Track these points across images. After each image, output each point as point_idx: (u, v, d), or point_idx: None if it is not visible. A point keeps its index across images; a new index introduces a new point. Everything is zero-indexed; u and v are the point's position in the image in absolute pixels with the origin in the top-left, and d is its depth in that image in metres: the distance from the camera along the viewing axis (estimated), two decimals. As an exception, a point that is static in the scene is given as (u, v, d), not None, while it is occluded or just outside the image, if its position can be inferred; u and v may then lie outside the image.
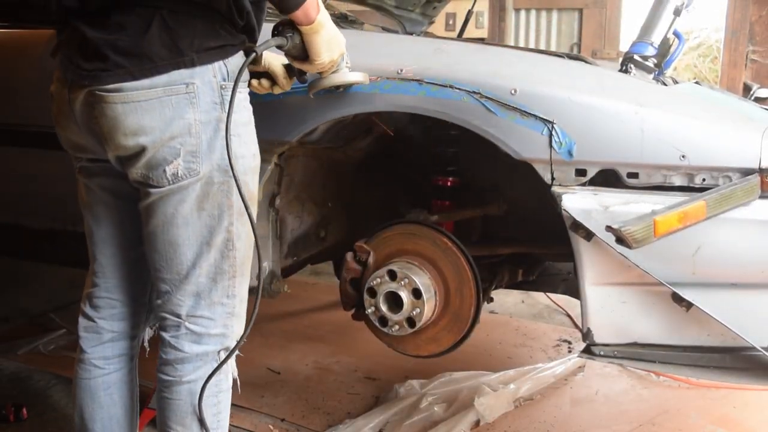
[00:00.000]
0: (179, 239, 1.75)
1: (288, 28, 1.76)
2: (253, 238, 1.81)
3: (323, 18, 1.75)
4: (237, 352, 1.90)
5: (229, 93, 1.67)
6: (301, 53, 1.79)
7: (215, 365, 1.84)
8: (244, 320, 1.92)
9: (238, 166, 1.71)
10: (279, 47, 1.77)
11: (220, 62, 1.69)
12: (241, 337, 1.88)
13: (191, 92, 1.65)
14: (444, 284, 2.18)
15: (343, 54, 1.88)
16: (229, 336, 1.88)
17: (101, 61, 1.61)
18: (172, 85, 1.63)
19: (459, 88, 1.90)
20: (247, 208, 1.72)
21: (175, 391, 1.83)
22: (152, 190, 1.70)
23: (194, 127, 1.67)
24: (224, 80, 1.70)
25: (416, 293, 2.12)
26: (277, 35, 1.76)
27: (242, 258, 1.83)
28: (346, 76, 1.91)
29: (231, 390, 1.95)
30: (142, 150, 1.65)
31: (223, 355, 1.87)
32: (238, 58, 1.72)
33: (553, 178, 1.84)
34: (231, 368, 1.93)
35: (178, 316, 1.82)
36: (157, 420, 1.90)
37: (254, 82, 1.94)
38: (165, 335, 1.84)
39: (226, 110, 1.67)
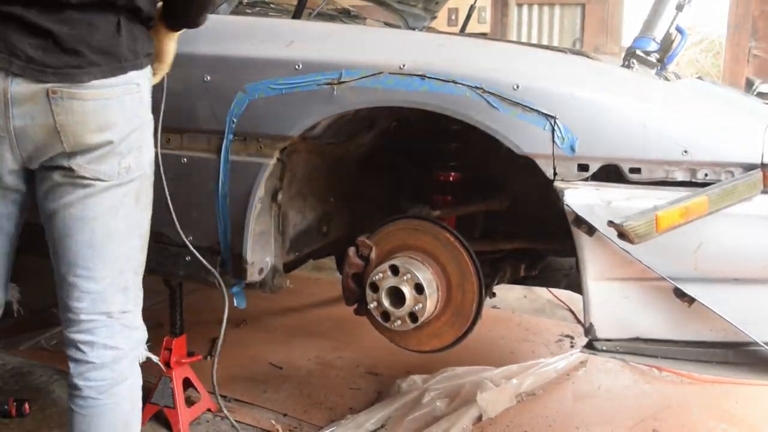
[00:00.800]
0: (118, 233, 1.77)
1: None
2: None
3: None
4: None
5: (147, 96, 1.79)
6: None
7: (140, 367, 1.88)
8: None
9: (156, 161, 1.91)
10: None
11: (149, 67, 1.79)
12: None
13: (140, 92, 1.74)
14: (446, 279, 2.18)
15: None
16: (144, 327, 1.91)
17: (73, 58, 1.62)
18: (129, 84, 1.71)
19: (461, 84, 1.89)
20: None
21: (115, 393, 1.81)
22: (98, 183, 1.72)
23: (143, 124, 1.78)
24: (149, 82, 1.82)
25: (418, 288, 2.12)
26: None
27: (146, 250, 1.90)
28: None
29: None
30: (108, 144, 1.69)
31: (144, 350, 1.90)
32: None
33: (555, 174, 1.84)
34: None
35: (110, 314, 1.79)
36: None
37: None
38: (94, 338, 1.79)
39: (148, 111, 1.81)
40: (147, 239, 1.85)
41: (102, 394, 1.79)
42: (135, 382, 1.85)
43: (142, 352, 1.88)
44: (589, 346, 1.95)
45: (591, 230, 1.80)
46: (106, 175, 1.71)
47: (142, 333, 1.88)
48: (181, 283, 2.65)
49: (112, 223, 1.75)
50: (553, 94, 1.83)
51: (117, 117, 1.69)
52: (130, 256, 1.80)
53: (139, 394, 1.87)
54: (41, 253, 1.86)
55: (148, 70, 1.77)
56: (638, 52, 2.13)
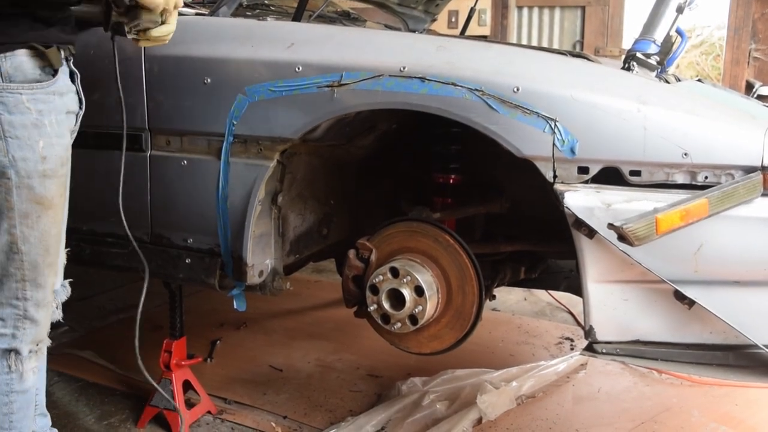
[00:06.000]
0: None
1: None
2: (50, 244, 1.85)
3: None
4: (38, 352, 1.95)
5: (4, 95, 1.70)
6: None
7: (4, 364, 1.87)
8: (44, 326, 1.94)
9: (18, 168, 1.73)
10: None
11: None
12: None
13: None
14: (446, 282, 2.18)
15: None
16: (19, 338, 1.89)
17: None
18: None
19: (461, 86, 1.90)
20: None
21: None
22: None
23: None
24: (1, 80, 1.70)
25: (418, 291, 2.12)
26: None
27: (32, 262, 1.84)
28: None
29: (29, 393, 1.96)
30: None
31: (13, 357, 1.88)
32: (19, 57, 1.72)
33: (555, 176, 1.84)
34: (24, 369, 1.92)
35: None
36: None
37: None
38: None
39: (0, 112, 1.70)
40: (11, 248, 1.81)
41: None
42: None
43: None
44: (589, 348, 1.95)
45: (591, 233, 1.80)
46: None
47: (2, 342, 1.87)
48: (181, 286, 2.65)
49: None
50: (554, 96, 1.83)
51: None
52: None
53: None
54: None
55: None
56: (638, 54, 2.12)
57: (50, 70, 1.79)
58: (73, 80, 1.92)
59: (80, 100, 1.95)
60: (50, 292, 1.94)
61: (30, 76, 1.75)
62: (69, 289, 2.09)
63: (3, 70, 1.70)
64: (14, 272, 1.83)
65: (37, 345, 1.94)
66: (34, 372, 1.95)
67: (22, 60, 1.73)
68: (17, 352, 1.89)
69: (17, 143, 1.73)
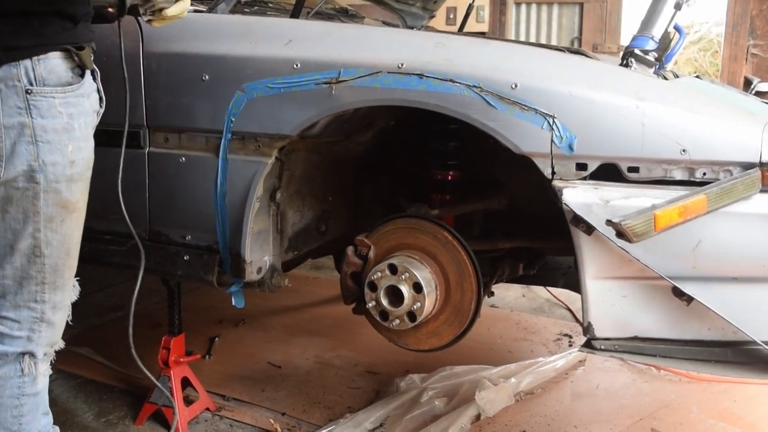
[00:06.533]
0: None
1: None
2: (71, 247, 1.83)
3: None
4: (52, 358, 1.93)
5: (37, 98, 1.66)
6: None
7: (18, 367, 1.85)
8: (59, 328, 1.91)
9: (47, 173, 1.71)
10: None
11: (28, 62, 1.66)
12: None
13: None
14: (445, 278, 2.18)
15: None
16: (35, 341, 1.86)
17: None
18: None
19: (459, 82, 1.89)
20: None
21: None
22: None
23: None
24: (31, 84, 1.66)
25: (417, 287, 2.12)
26: None
27: (53, 265, 1.82)
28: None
29: (40, 396, 1.94)
30: None
31: (28, 360, 1.86)
32: (53, 60, 1.70)
33: (553, 173, 1.84)
34: (38, 373, 1.90)
35: None
36: None
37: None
38: None
39: (33, 116, 1.66)
40: (33, 252, 1.78)
41: None
42: None
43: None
44: (588, 345, 1.95)
45: (589, 229, 1.80)
46: None
47: (17, 345, 1.84)
48: (179, 283, 2.65)
49: None
50: (552, 92, 1.83)
51: None
52: (1, 265, 1.78)
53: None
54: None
55: (11, 68, 1.65)
56: (636, 51, 2.13)
57: (79, 71, 1.76)
58: (94, 78, 1.88)
59: (101, 98, 1.91)
60: (68, 294, 1.91)
61: (63, 79, 1.72)
62: (78, 288, 2.08)
63: (36, 74, 1.66)
64: (35, 275, 1.80)
65: (52, 348, 1.92)
66: (45, 375, 1.93)
67: (55, 63, 1.70)
68: (32, 355, 1.86)
69: (48, 148, 1.70)
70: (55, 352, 1.95)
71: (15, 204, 1.73)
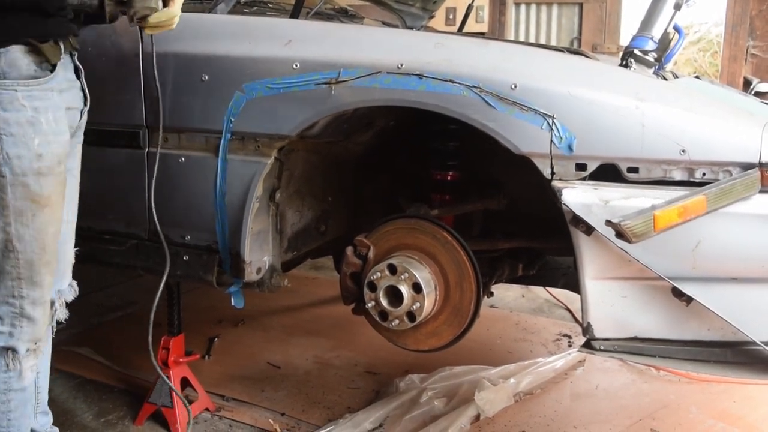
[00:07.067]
0: None
1: None
2: (46, 242, 1.83)
3: None
4: (36, 351, 1.93)
5: (0, 92, 1.69)
6: None
7: (2, 362, 1.87)
8: (42, 325, 1.92)
9: (13, 166, 1.72)
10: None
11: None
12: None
13: None
14: (444, 278, 2.18)
15: None
16: (16, 336, 1.87)
17: None
18: None
19: (459, 83, 1.89)
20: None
21: None
22: None
23: None
24: None
25: (416, 287, 2.12)
26: None
27: (28, 260, 1.82)
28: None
29: (27, 391, 1.96)
30: None
31: (11, 355, 1.88)
32: (14, 53, 1.71)
33: (553, 173, 1.84)
34: (23, 368, 1.91)
35: None
36: None
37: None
38: None
39: None
40: (6, 246, 1.80)
41: None
42: None
43: None
44: (587, 345, 1.95)
45: (589, 229, 1.80)
46: None
47: (0, 340, 1.87)
48: (179, 283, 2.65)
49: None
50: (551, 93, 1.83)
51: None
52: None
53: None
54: None
55: None
56: (636, 51, 2.13)
57: (48, 65, 1.77)
58: (77, 75, 1.89)
59: (85, 96, 1.92)
60: (48, 290, 1.92)
61: (25, 72, 1.72)
62: (76, 288, 2.09)
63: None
64: (10, 270, 1.82)
65: (36, 344, 1.92)
66: (32, 370, 1.94)
67: (16, 56, 1.70)
68: (14, 350, 1.88)
69: (11, 140, 1.71)
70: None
71: None
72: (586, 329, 1.92)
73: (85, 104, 1.93)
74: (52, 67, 1.78)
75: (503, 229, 2.64)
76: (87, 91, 1.93)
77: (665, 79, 2.14)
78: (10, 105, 1.70)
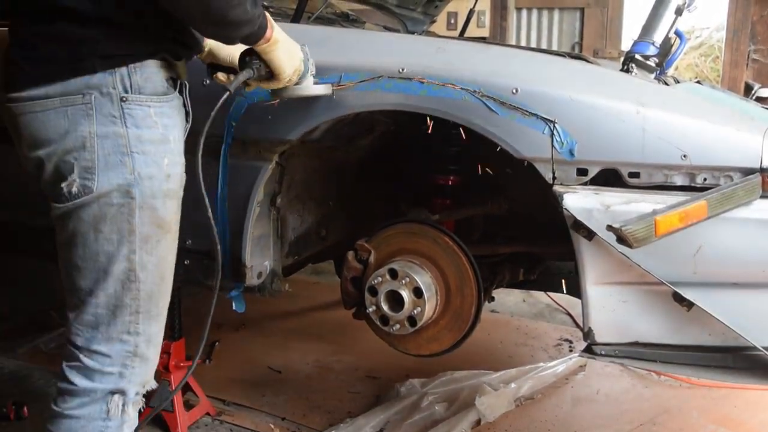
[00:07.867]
0: (77, 261, 1.62)
1: (251, 57, 1.74)
2: (165, 271, 1.71)
3: (277, 33, 1.70)
4: (141, 404, 1.77)
5: (132, 107, 1.57)
6: (266, 74, 1.77)
7: (104, 408, 1.68)
8: (153, 365, 1.76)
9: (143, 187, 1.60)
10: (248, 80, 1.77)
11: (124, 70, 1.57)
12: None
13: (87, 102, 1.54)
14: (445, 283, 2.18)
15: (303, 60, 1.83)
16: (126, 377, 1.70)
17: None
18: (69, 94, 1.53)
19: (460, 87, 1.89)
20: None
21: (56, 424, 1.70)
22: (56, 206, 1.60)
23: (89, 141, 1.55)
24: (126, 92, 1.56)
25: (417, 292, 2.12)
26: (243, 67, 1.75)
27: (148, 292, 1.68)
28: (310, 89, 1.90)
29: None
30: (40, 162, 1.57)
31: (117, 399, 1.69)
32: (150, 68, 1.60)
33: (554, 178, 1.84)
34: (125, 418, 1.72)
35: (75, 346, 1.68)
36: None
37: (221, 75, 1.89)
38: (63, 363, 1.72)
39: (127, 125, 1.56)
40: (128, 276, 1.64)
41: (49, 421, 1.72)
42: (74, 425, 1.68)
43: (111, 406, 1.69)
44: (588, 350, 1.95)
45: (590, 234, 1.79)
46: (56, 197, 1.60)
47: (107, 382, 1.68)
48: (180, 287, 2.64)
49: (71, 251, 1.63)
50: (552, 97, 1.83)
51: (47, 133, 1.55)
52: (94, 292, 1.64)
53: None
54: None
55: (107, 76, 1.55)
56: (637, 56, 2.12)
57: (172, 82, 1.68)
58: (181, 91, 1.76)
59: (187, 112, 1.80)
60: (162, 327, 1.78)
61: (159, 88, 1.62)
62: None
63: (132, 81, 1.57)
64: (129, 303, 1.65)
65: (144, 387, 1.75)
66: (132, 424, 1.76)
67: (152, 71, 1.60)
68: (123, 393, 1.70)
69: (144, 159, 1.59)
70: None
71: (109, 222, 1.59)
72: (587, 334, 1.92)
73: (188, 121, 1.81)
74: (175, 84, 1.70)
75: (504, 233, 2.64)
76: (189, 107, 1.81)
77: (666, 84, 2.14)
78: (143, 121, 1.58)
